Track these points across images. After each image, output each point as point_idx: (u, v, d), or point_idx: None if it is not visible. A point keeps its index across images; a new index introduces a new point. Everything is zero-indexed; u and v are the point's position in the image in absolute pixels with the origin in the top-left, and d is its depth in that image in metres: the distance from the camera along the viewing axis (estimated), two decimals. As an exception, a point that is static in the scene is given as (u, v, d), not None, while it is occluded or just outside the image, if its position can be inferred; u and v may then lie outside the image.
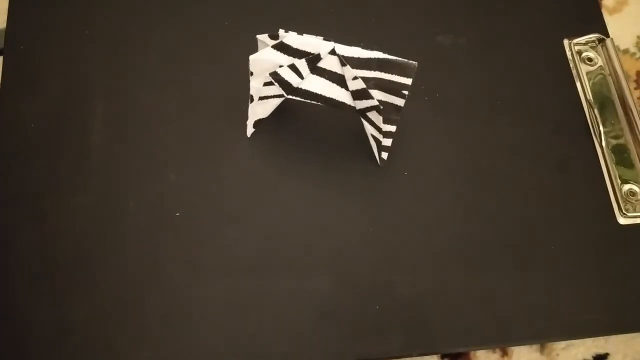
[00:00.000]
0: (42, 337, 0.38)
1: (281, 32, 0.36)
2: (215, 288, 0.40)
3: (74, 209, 0.42)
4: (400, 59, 0.35)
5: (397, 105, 0.38)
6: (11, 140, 0.43)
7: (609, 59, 0.49)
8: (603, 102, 0.48)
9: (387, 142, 0.41)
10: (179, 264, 0.40)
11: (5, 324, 0.39)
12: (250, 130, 0.43)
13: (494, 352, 0.44)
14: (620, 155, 0.46)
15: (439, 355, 0.43)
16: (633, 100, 0.47)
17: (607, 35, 0.50)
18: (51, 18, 0.47)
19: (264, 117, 0.42)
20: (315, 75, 0.38)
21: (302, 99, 0.40)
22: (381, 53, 0.35)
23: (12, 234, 0.41)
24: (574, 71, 0.49)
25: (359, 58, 0.35)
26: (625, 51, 0.54)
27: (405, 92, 0.36)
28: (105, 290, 0.39)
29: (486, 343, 0.41)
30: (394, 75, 0.35)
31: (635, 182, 0.45)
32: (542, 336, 0.41)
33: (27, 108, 0.44)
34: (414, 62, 0.34)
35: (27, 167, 0.43)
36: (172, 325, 0.39)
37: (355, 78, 0.36)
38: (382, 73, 0.36)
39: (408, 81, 0.36)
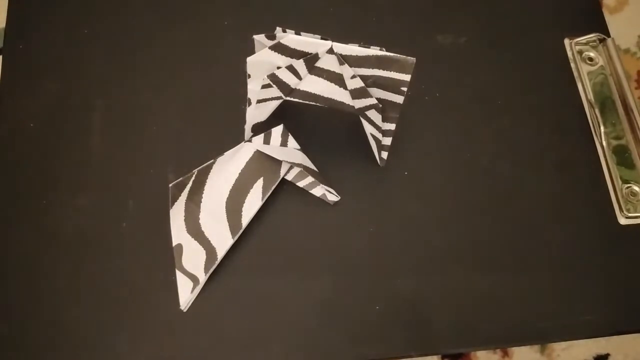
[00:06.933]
0: (42, 337, 0.38)
1: (278, 32, 0.36)
2: (215, 288, 0.40)
3: (74, 208, 0.42)
4: (398, 55, 0.34)
5: (396, 102, 0.38)
6: (11, 140, 0.43)
7: (609, 58, 0.49)
8: (604, 102, 0.47)
9: (387, 141, 0.41)
10: (178, 264, 0.40)
11: (5, 324, 0.39)
12: (248, 134, 0.43)
13: (495, 352, 0.43)
14: (621, 155, 0.46)
15: (440, 355, 0.43)
16: (634, 100, 0.47)
17: (608, 35, 0.50)
18: (51, 18, 0.47)
19: (262, 120, 0.42)
20: (313, 76, 0.38)
21: (301, 100, 0.40)
22: (379, 50, 0.35)
23: (12, 233, 0.41)
24: (574, 71, 0.49)
25: (357, 56, 0.35)
26: (626, 51, 0.54)
27: (404, 89, 0.36)
28: (104, 290, 0.39)
29: (487, 344, 0.41)
30: (392, 72, 0.35)
31: (636, 183, 0.45)
32: (542, 337, 0.41)
33: (26, 108, 0.44)
34: (412, 58, 0.34)
35: (27, 167, 0.43)
36: (172, 325, 0.39)
37: (353, 77, 0.36)
38: (381, 70, 0.35)
39: (407, 77, 0.35)
